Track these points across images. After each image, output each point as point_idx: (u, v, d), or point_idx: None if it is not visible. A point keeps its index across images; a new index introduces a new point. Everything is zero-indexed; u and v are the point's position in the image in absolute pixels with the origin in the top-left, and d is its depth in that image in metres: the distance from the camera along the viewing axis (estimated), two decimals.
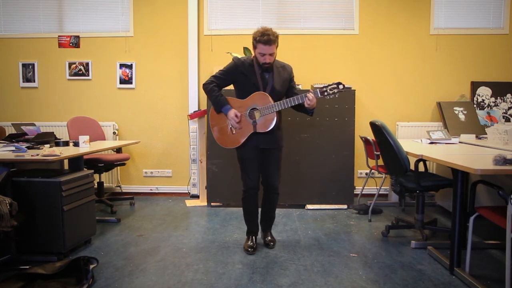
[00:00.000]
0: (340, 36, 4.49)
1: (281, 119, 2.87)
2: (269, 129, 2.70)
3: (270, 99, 2.68)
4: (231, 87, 2.88)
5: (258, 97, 2.70)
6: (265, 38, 2.58)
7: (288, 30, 4.51)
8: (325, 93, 2.68)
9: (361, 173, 4.53)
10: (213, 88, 2.75)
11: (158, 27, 4.55)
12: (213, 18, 4.53)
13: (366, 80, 4.50)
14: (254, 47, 2.68)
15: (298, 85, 4.08)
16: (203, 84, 2.82)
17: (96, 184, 3.54)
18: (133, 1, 4.53)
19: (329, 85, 2.69)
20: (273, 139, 2.79)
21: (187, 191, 4.62)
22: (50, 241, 2.60)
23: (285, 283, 2.32)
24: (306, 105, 2.67)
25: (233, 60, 2.79)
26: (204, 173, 4.22)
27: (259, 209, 3.00)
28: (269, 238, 2.97)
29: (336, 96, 2.79)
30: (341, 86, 2.69)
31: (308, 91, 2.72)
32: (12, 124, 3.99)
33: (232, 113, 2.70)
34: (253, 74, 2.72)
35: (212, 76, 2.81)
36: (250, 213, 2.92)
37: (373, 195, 4.26)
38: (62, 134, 4.34)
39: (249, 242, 2.89)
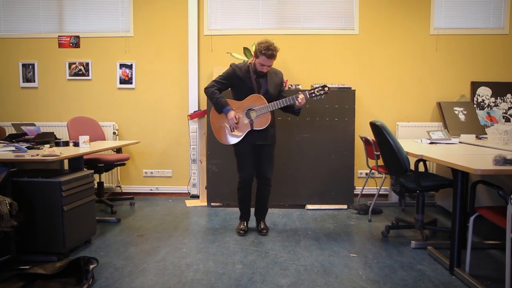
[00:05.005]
0: (340, 36, 4.49)
1: (274, 118, 3.21)
2: (265, 126, 3.03)
3: (265, 100, 3.01)
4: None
5: (254, 99, 3.03)
6: (270, 53, 2.89)
7: (288, 30, 4.51)
8: (313, 95, 3.06)
9: (361, 173, 4.53)
10: (214, 91, 3.06)
11: (158, 27, 4.55)
12: (213, 18, 4.53)
13: (366, 80, 4.50)
14: (256, 57, 2.98)
15: (298, 85, 4.12)
16: (205, 88, 3.11)
17: (96, 184, 3.54)
18: (133, 1, 4.53)
19: (316, 88, 3.06)
20: (267, 136, 3.11)
21: (187, 191, 4.62)
22: (50, 241, 2.60)
23: (285, 283, 2.32)
24: (297, 105, 3.01)
25: (231, 66, 3.10)
26: (204, 173, 4.22)
27: (253, 204, 3.32)
28: (262, 226, 3.28)
29: (323, 97, 3.12)
30: (326, 88, 3.05)
31: (300, 91, 3.08)
32: (12, 124, 3.99)
33: (231, 114, 3.03)
34: (248, 78, 3.04)
35: (213, 80, 3.11)
36: (243, 201, 3.27)
37: (373, 195, 4.26)
38: (62, 134, 4.34)
39: (241, 226, 3.28)
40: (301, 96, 2.99)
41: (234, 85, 3.10)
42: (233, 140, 3.08)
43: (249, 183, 3.17)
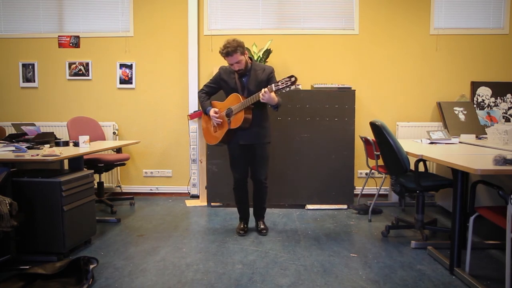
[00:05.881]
0: (340, 36, 4.49)
1: (264, 117, 3.10)
2: (239, 125, 2.97)
3: (241, 99, 2.97)
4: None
5: (232, 98, 3.05)
6: (225, 51, 2.90)
7: (288, 30, 4.51)
8: (279, 87, 2.77)
9: (361, 173, 4.53)
10: (201, 95, 3.24)
11: (158, 27, 4.55)
12: (213, 18, 4.53)
13: (366, 80, 4.50)
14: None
15: (298, 85, 4.10)
16: (197, 93, 3.34)
17: (96, 184, 3.54)
18: (133, 1, 4.53)
19: (282, 79, 2.77)
20: (251, 135, 3.06)
21: (187, 191, 4.62)
22: (50, 241, 2.60)
23: (285, 283, 2.32)
24: (261, 100, 2.82)
25: (218, 69, 3.19)
26: (204, 173, 4.21)
27: (251, 202, 3.33)
28: (262, 226, 3.28)
29: (291, 88, 2.83)
30: (293, 78, 2.75)
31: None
32: (12, 124, 3.99)
33: (212, 111, 3.12)
34: (232, 79, 3.09)
35: (204, 85, 3.27)
36: (240, 202, 3.30)
37: (373, 195, 4.26)
38: (62, 134, 4.33)
39: (241, 226, 3.28)
40: (262, 90, 2.78)
41: (222, 87, 3.19)
42: (217, 139, 3.15)
43: (242, 183, 3.21)
